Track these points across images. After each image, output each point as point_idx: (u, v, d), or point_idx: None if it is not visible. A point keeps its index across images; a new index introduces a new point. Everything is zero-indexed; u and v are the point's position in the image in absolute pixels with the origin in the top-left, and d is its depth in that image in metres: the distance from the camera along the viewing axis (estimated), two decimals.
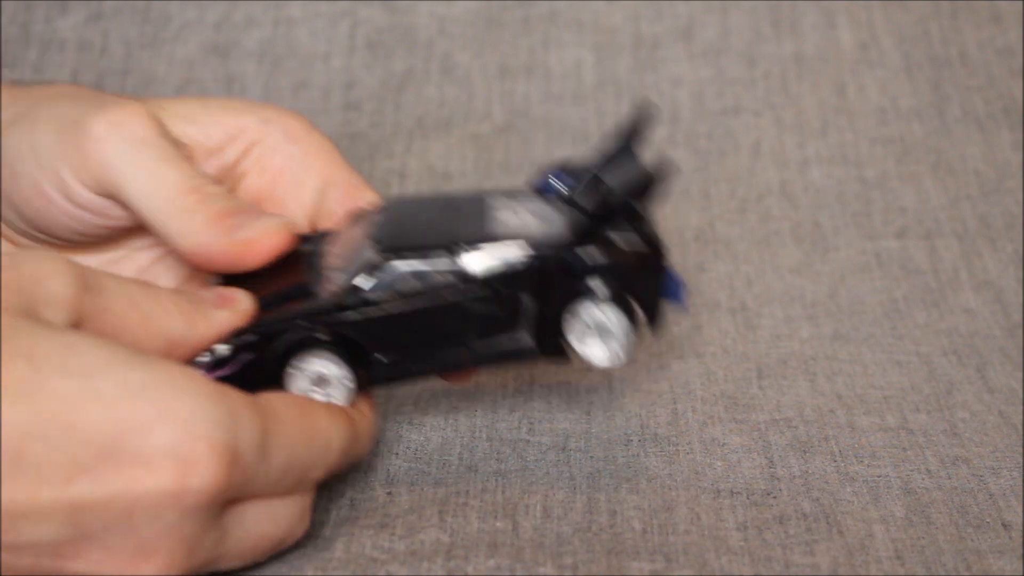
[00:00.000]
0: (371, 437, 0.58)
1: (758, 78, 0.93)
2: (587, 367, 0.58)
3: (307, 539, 0.57)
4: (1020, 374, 0.72)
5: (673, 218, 0.87)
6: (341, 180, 0.64)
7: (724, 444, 0.65)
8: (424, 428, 0.66)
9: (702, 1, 0.96)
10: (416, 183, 0.89)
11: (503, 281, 0.57)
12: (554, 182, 0.60)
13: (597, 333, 0.57)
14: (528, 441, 0.65)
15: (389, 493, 0.61)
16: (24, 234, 0.63)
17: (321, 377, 0.57)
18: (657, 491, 0.61)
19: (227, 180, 0.63)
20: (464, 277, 0.56)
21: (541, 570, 0.56)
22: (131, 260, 0.65)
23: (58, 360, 0.48)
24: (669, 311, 0.61)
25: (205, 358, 0.56)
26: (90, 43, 0.93)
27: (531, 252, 0.57)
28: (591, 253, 0.57)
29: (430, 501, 0.60)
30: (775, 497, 0.61)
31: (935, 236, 0.85)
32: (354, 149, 0.90)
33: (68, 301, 0.51)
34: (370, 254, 0.57)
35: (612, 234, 0.57)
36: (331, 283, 0.57)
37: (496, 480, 0.62)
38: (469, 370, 0.60)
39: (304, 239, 0.61)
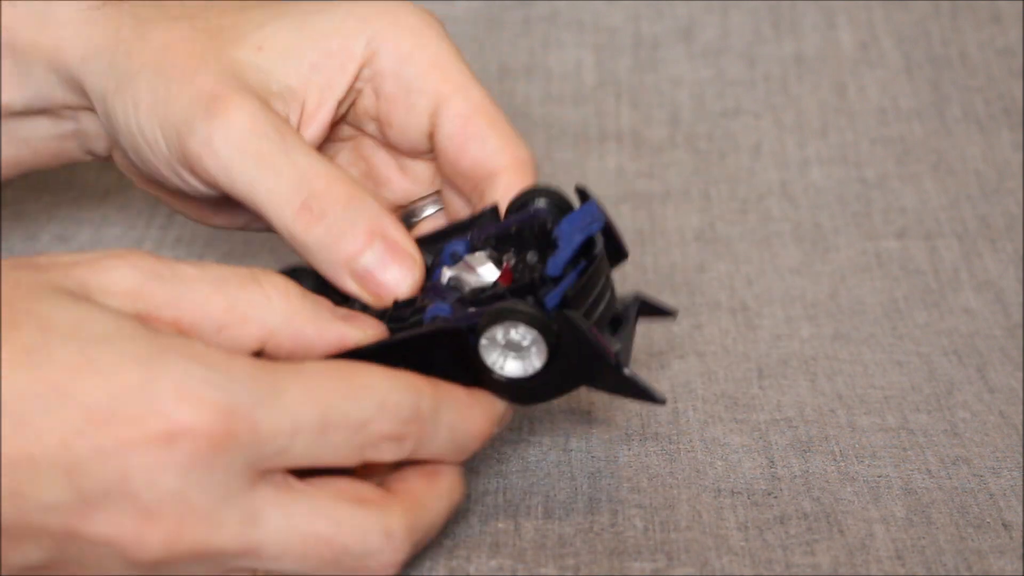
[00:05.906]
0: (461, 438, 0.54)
1: (758, 79, 0.93)
2: None
3: None
4: (1020, 374, 0.72)
5: (673, 218, 0.87)
6: (457, 105, 0.62)
7: (725, 444, 0.65)
8: None
9: (702, 1, 0.96)
10: None
11: None
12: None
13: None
14: (529, 441, 0.65)
15: None
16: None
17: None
18: (658, 489, 0.61)
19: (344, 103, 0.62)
20: None
21: (543, 571, 0.56)
22: None
23: (67, 329, 0.49)
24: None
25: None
26: None
27: None
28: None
29: None
30: (776, 497, 0.61)
31: (935, 236, 0.85)
32: None
33: (128, 292, 0.51)
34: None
35: None
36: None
37: (497, 480, 0.62)
38: None
39: None
